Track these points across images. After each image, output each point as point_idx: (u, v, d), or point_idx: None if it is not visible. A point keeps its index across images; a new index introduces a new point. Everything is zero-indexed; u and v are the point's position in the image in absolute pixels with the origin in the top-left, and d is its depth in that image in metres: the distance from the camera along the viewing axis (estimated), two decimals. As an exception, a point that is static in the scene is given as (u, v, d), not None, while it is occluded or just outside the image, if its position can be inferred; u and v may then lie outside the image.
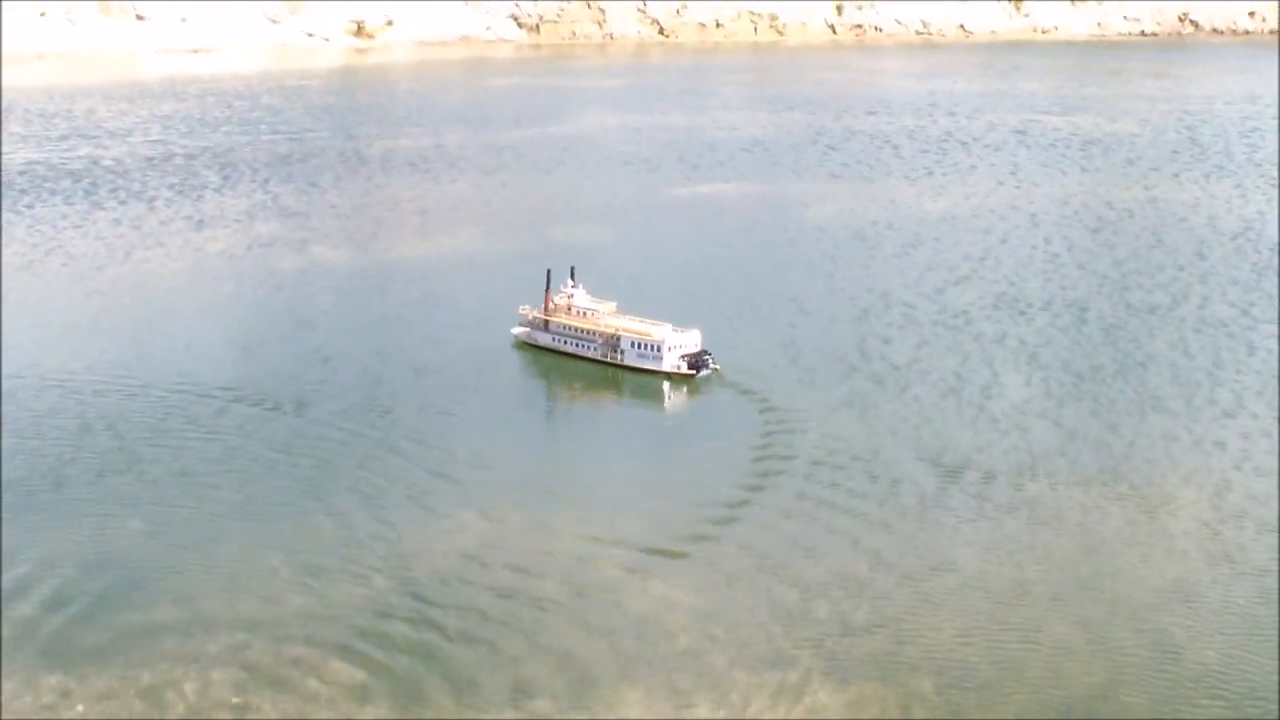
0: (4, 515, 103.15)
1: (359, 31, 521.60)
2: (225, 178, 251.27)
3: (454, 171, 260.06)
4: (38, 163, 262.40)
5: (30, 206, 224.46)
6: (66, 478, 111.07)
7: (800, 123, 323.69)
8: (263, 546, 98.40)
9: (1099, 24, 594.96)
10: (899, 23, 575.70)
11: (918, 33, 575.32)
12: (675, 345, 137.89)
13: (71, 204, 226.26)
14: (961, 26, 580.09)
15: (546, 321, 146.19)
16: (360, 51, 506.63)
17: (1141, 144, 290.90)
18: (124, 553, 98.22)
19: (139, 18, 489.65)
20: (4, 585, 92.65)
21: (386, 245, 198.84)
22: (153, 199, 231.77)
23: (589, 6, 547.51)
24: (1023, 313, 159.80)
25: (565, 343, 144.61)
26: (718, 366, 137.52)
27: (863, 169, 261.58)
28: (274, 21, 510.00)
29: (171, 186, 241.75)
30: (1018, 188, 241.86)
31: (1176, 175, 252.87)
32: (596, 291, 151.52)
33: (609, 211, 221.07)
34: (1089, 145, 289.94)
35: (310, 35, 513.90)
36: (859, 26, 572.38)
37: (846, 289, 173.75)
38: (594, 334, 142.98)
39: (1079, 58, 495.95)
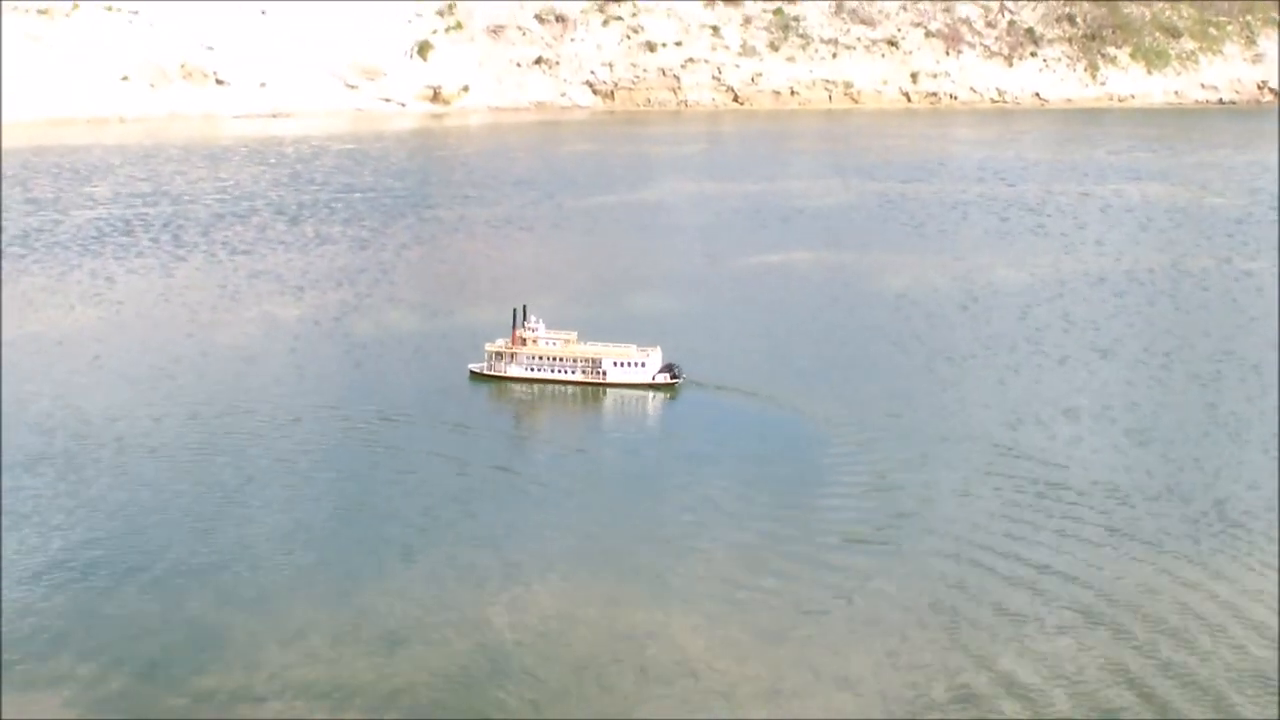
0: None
1: (435, 97, 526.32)
2: (298, 235, 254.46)
3: (528, 237, 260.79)
4: (118, 218, 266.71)
5: (100, 255, 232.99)
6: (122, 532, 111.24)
7: (875, 191, 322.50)
8: (332, 604, 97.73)
9: (1176, 93, 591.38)
10: (974, 91, 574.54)
11: (993, 101, 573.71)
12: (655, 361, 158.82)
13: (147, 256, 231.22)
14: (1037, 94, 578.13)
15: (513, 354, 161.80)
16: (436, 117, 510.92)
17: (1217, 212, 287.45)
18: (193, 611, 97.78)
19: (219, 82, 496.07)
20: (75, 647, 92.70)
21: (459, 309, 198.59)
22: (233, 253, 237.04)
23: (664, 74, 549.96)
24: (1102, 359, 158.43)
25: (540, 370, 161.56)
26: (685, 375, 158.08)
27: (938, 236, 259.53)
28: (351, 87, 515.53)
29: (248, 243, 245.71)
30: (1101, 254, 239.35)
31: (1249, 243, 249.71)
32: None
33: (683, 280, 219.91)
34: (1165, 213, 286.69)
35: (387, 101, 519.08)
36: (933, 94, 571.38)
37: (923, 347, 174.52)
38: (574, 359, 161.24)
39: (1155, 126, 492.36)
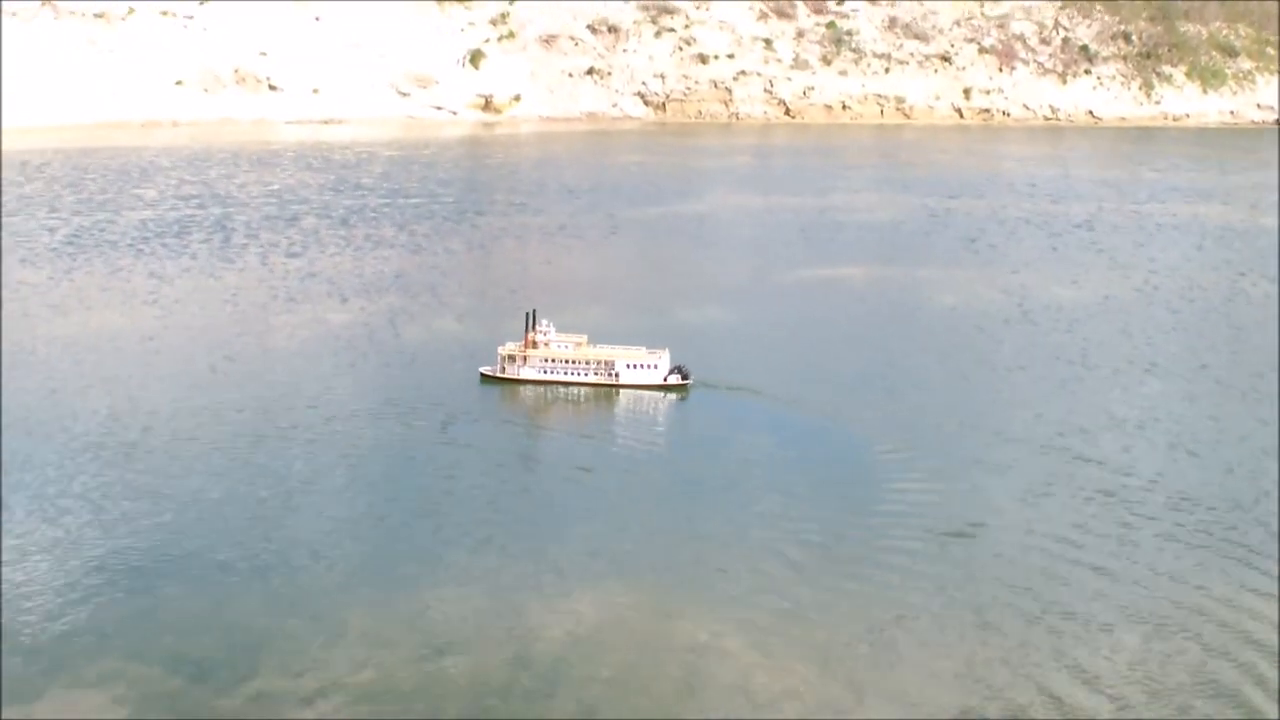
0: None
1: (486, 106, 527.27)
2: (347, 239, 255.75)
3: (579, 247, 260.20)
4: (169, 220, 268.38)
5: (152, 256, 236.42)
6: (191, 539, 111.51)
7: (925, 206, 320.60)
8: (383, 610, 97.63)
9: (1231, 112, 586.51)
10: (1027, 108, 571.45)
11: (1045, 118, 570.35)
12: (665, 363, 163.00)
13: (199, 258, 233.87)
14: (1090, 112, 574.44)
15: (526, 357, 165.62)
16: (487, 125, 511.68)
17: (1270, 232, 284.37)
18: (244, 610, 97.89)
19: (272, 88, 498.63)
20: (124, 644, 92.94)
21: (506, 314, 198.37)
22: (286, 256, 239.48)
23: (716, 86, 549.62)
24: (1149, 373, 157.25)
25: (554, 372, 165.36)
26: (694, 376, 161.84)
27: (989, 251, 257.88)
28: (403, 95, 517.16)
29: (298, 247, 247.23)
30: (1153, 272, 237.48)
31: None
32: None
33: (732, 293, 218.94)
34: (1217, 232, 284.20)
35: (438, 109, 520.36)
36: (986, 111, 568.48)
37: (967, 359, 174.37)
38: (588, 361, 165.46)
39: (1209, 145, 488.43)
